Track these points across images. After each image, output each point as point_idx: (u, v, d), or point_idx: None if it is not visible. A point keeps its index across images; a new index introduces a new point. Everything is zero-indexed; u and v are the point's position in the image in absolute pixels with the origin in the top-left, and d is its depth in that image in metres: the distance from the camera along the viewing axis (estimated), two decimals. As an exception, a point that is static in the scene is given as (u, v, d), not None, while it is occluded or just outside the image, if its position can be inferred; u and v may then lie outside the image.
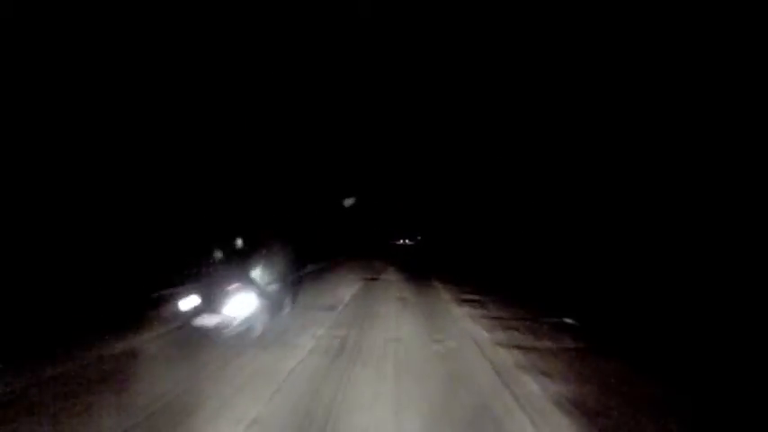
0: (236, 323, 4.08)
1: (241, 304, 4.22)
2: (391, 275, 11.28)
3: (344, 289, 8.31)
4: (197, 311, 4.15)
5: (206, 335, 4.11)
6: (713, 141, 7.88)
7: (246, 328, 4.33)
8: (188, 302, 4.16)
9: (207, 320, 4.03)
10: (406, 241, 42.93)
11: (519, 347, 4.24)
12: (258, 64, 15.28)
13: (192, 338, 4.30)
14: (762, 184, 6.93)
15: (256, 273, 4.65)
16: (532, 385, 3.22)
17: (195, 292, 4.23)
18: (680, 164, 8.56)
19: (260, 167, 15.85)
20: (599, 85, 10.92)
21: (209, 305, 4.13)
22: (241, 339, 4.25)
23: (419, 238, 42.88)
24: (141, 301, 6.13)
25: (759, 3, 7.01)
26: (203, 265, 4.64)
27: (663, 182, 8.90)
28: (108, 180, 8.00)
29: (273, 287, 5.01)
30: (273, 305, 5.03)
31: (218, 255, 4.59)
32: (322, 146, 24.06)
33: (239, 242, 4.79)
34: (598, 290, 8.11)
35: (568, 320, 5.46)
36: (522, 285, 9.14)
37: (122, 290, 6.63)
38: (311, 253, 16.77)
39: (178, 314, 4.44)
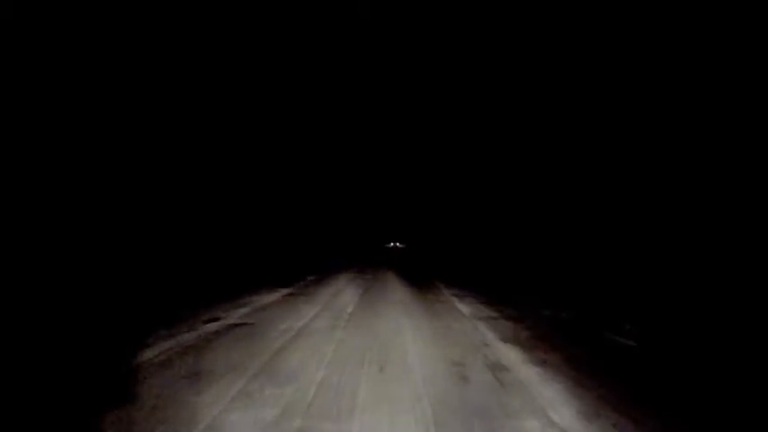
0: None
1: None
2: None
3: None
4: None
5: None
6: (713, 140, 7.88)
7: None
8: None
9: None
10: (398, 244, 43.93)
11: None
12: (256, 63, 15.27)
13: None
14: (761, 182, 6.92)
15: None
16: None
17: None
18: (680, 163, 8.55)
19: (255, 167, 15.82)
20: (596, 85, 10.93)
21: None
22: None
23: (403, 245, 43.37)
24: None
25: (759, 3, 7.02)
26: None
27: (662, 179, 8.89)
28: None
29: None
30: None
31: None
32: (319, 146, 24.06)
33: None
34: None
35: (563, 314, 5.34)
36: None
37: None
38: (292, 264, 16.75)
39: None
